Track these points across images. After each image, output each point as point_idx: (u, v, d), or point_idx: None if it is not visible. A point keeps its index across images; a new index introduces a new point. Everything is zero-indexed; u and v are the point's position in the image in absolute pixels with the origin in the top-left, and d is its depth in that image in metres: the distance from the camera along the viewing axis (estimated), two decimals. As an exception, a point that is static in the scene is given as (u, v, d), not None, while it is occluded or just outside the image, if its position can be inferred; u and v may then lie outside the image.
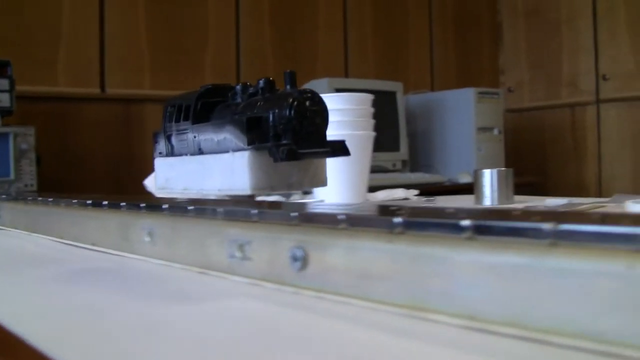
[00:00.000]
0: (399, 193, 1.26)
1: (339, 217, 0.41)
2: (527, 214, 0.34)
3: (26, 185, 2.00)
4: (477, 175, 1.13)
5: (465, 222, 0.34)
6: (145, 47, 2.60)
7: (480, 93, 2.84)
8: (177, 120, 0.83)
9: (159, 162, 0.87)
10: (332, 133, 1.05)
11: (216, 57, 2.75)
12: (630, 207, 0.60)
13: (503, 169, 1.14)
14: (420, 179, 2.62)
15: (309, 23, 3.01)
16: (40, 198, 0.88)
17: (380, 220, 0.38)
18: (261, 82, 0.75)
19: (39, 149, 2.00)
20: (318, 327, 0.37)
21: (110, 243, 0.69)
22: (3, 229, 0.98)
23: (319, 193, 1.10)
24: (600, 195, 3.31)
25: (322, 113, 0.70)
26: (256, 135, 0.69)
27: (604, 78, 3.29)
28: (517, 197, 1.17)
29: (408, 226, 0.37)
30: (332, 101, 1.09)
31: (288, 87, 0.73)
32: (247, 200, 0.64)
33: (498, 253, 0.32)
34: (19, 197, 1.00)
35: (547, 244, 0.30)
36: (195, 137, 0.81)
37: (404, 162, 2.78)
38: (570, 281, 0.29)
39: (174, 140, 0.85)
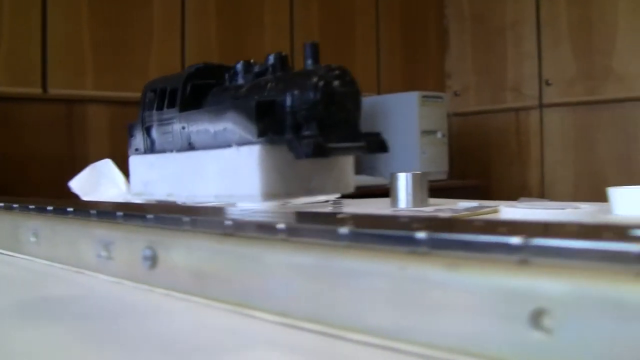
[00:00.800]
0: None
1: (184, 219, 0.43)
2: (332, 218, 0.36)
3: (-38, 186, 1.98)
4: (392, 179, 1.16)
5: (280, 225, 0.36)
6: (89, 47, 2.58)
7: (424, 97, 2.88)
8: (160, 108, 0.67)
9: (135, 161, 0.72)
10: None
11: (161, 57, 2.75)
12: (503, 211, 0.63)
13: (418, 172, 1.16)
14: (363, 182, 2.64)
15: (256, 24, 3.02)
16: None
17: (214, 222, 0.40)
18: (271, 57, 0.62)
19: (-25, 149, 1.99)
20: (153, 326, 0.39)
21: (4, 244, 0.70)
22: None
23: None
24: (542, 197, 3.38)
25: (354, 96, 0.55)
26: (269, 124, 0.54)
27: (547, 83, 3.35)
28: (432, 200, 1.20)
29: (236, 228, 0.39)
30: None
31: (309, 62, 0.57)
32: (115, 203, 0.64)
33: (304, 254, 0.34)
34: None
35: (343, 246, 0.32)
36: (184, 128, 0.64)
37: (348, 164, 2.81)
38: (357, 281, 0.32)
39: (155, 132, 0.69)
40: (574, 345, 0.24)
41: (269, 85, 0.58)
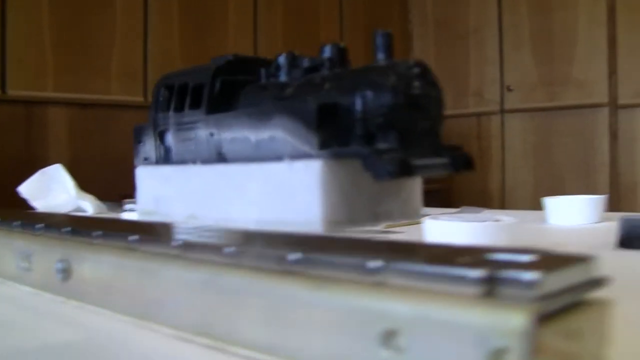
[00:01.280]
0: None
1: (94, 233, 0.43)
2: (218, 234, 0.37)
3: None
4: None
5: (176, 242, 0.37)
6: (49, 48, 2.57)
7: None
8: (179, 109, 0.55)
9: (145, 173, 0.58)
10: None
11: (123, 59, 2.74)
12: (426, 224, 0.64)
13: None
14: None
15: (219, 26, 3.02)
16: None
17: (120, 237, 0.41)
18: (327, 49, 0.51)
19: None
20: (69, 337, 0.40)
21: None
22: None
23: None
24: (503, 203, 3.42)
25: (438, 100, 0.45)
26: (333, 133, 0.43)
27: (509, 89, 3.40)
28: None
29: (140, 243, 0.40)
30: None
31: (382, 56, 0.46)
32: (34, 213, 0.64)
33: (194, 270, 0.35)
34: None
35: (229, 264, 0.34)
36: (212, 134, 0.52)
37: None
38: (237, 298, 0.33)
39: (172, 139, 0.57)
40: (421, 364, 0.25)
41: (327, 84, 0.46)
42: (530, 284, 0.23)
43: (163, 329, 0.37)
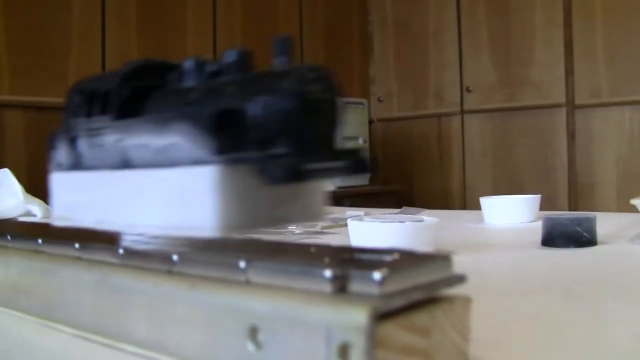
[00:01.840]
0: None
1: (7, 237, 0.44)
2: (114, 236, 0.38)
3: None
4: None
5: (77, 244, 0.37)
6: (4, 50, 2.54)
7: (345, 103, 2.91)
8: (89, 115, 0.55)
9: (58, 179, 0.57)
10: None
11: (81, 62, 2.72)
12: (349, 225, 0.66)
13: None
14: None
15: (178, 28, 3.02)
16: None
17: (26, 241, 0.42)
18: (231, 54, 0.50)
19: None
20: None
21: None
22: None
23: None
24: (464, 202, 3.46)
25: (337, 105, 0.45)
26: (230, 139, 0.44)
27: (468, 90, 3.43)
28: (330, 209, 1.22)
29: (46, 245, 0.40)
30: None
31: (282, 60, 0.47)
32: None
33: (90, 271, 0.36)
34: None
35: (118, 265, 0.34)
36: (119, 140, 0.53)
37: (269, 169, 2.83)
38: (124, 297, 0.34)
39: (83, 145, 0.56)
40: (278, 358, 0.26)
41: (229, 88, 0.46)
42: (375, 282, 0.25)
43: (65, 328, 0.38)
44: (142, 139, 0.48)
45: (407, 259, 0.27)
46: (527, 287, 0.47)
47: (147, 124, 0.48)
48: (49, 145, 0.59)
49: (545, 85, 3.22)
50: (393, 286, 0.25)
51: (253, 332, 0.27)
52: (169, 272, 0.31)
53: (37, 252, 0.41)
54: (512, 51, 3.31)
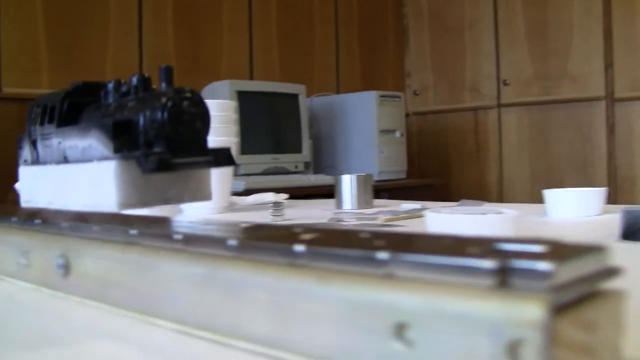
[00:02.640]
0: (269, 197, 1.29)
1: (94, 227, 0.43)
2: (227, 229, 0.37)
3: None
4: (337, 181, 1.17)
5: (177, 236, 0.36)
6: (44, 46, 2.56)
7: (382, 96, 2.89)
8: (42, 123, 0.75)
9: (24, 171, 0.80)
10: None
11: (117, 56, 2.73)
12: (427, 217, 0.64)
13: (363, 174, 1.17)
14: (321, 181, 2.65)
15: (214, 24, 3.01)
16: None
17: (119, 231, 0.41)
18: (134, 79, 0.66)
19: None
20: (68, 333, 0.39)
21: None
22: None
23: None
24: (501, 196, 3.42)
25: (202, 116, 0.61)
26: (125, 141, 0.61)
27: (505, 83, 3.39)
28: (376, 202, 1.21)
29: (140, 237, 0.39)
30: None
31: (164, 85, 0.62)
32: (35, 210, 0.64)
33: (196, 264, 0.35)
34: None
35: (231, 257, 0.33)
36: (60, 143, 0.72)
37: (306, 163, 2.82)
38: (240, 291, 0.32)
39: (39, 146, 0.76)
40: (433, 357, 0.25)
41: (129, 104, 0.62)
42: (544, 274, 0.23)
43: (163, 323, 0.37)
44: (73, 142, 0.66)
45: (560, 250, 0.25)
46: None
47: (76, 130, 0.66)
48: (17, 146, 0.80)
49: (583, 78, 3.18)
50: (562, 278, 0.23)
51: (400, 330, 0.25)
52: (292, 265, 0.29)
53: (130, 243, 0.39)
54: (550, 43, 3.26)
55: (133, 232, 0.39)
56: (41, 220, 0.50)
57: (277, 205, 0.95)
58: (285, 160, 2.70)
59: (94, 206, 0.62)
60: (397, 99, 2.97)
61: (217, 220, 0.42)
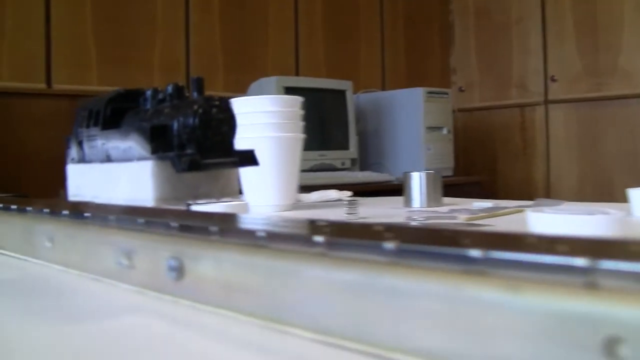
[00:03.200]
0: (332, 194, 1.27)
1: (211, 228, 0.41)
2: (373, 231, 0.35)
3: (-33, 182, 1.97)
4: (405, 178, 1.14)
5: (318, 238, 0.34)
6: (93, 42, 2.57)
7: (429, 93, 2.86)
8: (88, 126, 0.84)
9: (71, 169, 0.89)
10: (261, 135, 1.06)
11: (165, 52, 2.73)
12: (529, 217, 0.62)
13: (432, 172, 1.15)
14: (368, 178, 2.63)
15: (260, 20, 3.00)
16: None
17: (245, 233, 0.39)
18: (169, 87, 0.75)
19: (-20, 145, 1.97)
20: (181, 338, 0.37)
21: (17, 247, 0.69)
22: None
23: (248, 195, 1.10)
24: (549, 194, 3.37)
25: (229, 121, 0.68)
26: (160, 144, 0.69)
27: (552, 79, 3.34)
28: (446, 199, 1.18)
29: (270, 239, 0.37)
30: (261, 103, 1.09)
31: (195, 94, 0.72)
32: (142, 208, 0.62)
33: (344, 269, 0.33)
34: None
35: (387, 263, 0.31)
36: (103, 144, 0.80)
37: (353, 160, 2.80)
38: (403, 300, 0.30)
39: (85, 146, 0.85)
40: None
41: (165, 111, 0.70)
42: None
43: (299, 332, 0.35)
44: (115, 143, 0.75)
45: None
46: None
47: (118, 133, 0.75)
48: (66, 146, 0.92)
49: (634, 74, 3.11)
50: None
51: (611, 345, 0.23)
52: (466, 272, 0.27)
53: (259, 246, 0.37)
54: (599, 38, 3.20)
55: (261, 234, 0.37)
56: (145, 219, 0.48)
57: (351, 203, 0.93)
58: (332, 157, 2.68)
59: (133, 200, 0.72)
60: (445, 96, 2.94)
61: (341, 221, 0.40)
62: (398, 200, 1.29)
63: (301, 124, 1.13)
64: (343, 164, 2.74)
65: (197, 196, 0.71)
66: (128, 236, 0.50)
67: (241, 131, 1.12)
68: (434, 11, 3.70)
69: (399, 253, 0.30)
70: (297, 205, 1.15)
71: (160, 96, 0.76)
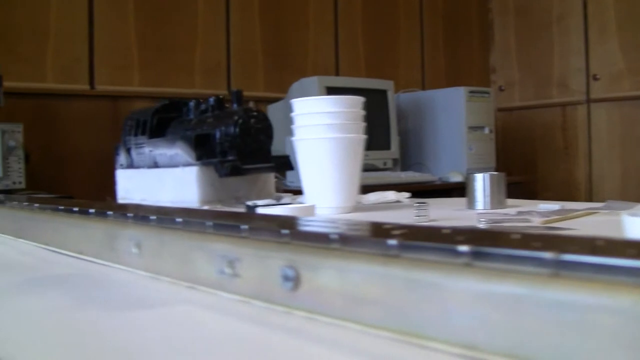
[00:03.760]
0: (391, 196, 1.25)
1: (331, 236, 0.39)
2: (528, 240, 0.33)
3: (14, 183, 1.98)
4: (469, 180, 1.12)
5: (463, 248, 0.32)
6: (134, 44, 2.58)
7: (471, 92, 2.83)
8: (136, 134, 0.92)
9: (120, 174, 0.97)
10: (324, 136, 1.04)
11: (205, 54, 2.73)
12: (626, 221, 0.59)
13: (495, 173, 1.12)
14: (411, 178, 2.61)
15: (300, 21, 3.00)
16: (26, 203, 0.86)
17: (374, 242, 0.37)
18: (211, 100, 0.85)
19: (26, 146, 1.98)
20: (307, 350, 0.36)
21: (97, 252, 0.68)
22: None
23: (309, 197, 1.09)
24: (590, 194, 3.32)
25: (266, 130, 0.79)
26: (204, 151, 0.78)
27: (595, 78, 3.29)
28: (510, 201, 1.16)
29: (403, 249, 0.36)
30: (324, 104, 1.07)
31: (235, 105, 0.81)
32: (236, 213, 0.60)
33: (496, 281, 0.31)
34: (4, 200, 0.98)
35: (548, 274, 0.29)
36: (151, 151, 0.89)
37: (394, 160, 2.77)
38: (569, 315, 0.28)
39: (133, 153, 0.93)
40: None
41: (208, 121, 0.79)
42: None
43: (441, 347, 0.33)
44: (162, 150, 0.82)
45: None
46: None
47: (164, 141, 0.82)
48: (115, 153, 1.00)
49: (680, 72, 3.05)
50: None
51: None
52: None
53: (391, 256, 0.36)
54: (643, 36, 3.15)
55: (392, 242, 0.36)
56: (248, 226, 0.47)
57: (421, 205, 0.91)
58: (374, 157, 2.66)
59: (179, 202, 0.79)
60: (486, 95, 2.90)
61: (478, 229, 0.38)
62: (455, 201, 1.27)
63: (363, 124, 1.11)
64: (385, 164, 2.72)
65: (237, 198, 0.81)
66: (230, 243, 0.48)
67: (303, 132, 1.11)
68: (474, 10, 3.66)
69: (559, 264, 0.29)
70: (358, 208, 1.13)
71: (203, 107, 0.85)
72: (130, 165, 0.94)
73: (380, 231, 0.40)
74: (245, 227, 0.47)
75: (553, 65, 3.43)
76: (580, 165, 3.37)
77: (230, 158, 0.74)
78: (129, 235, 0.62)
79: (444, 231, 0.38)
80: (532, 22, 3.52)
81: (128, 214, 0.62)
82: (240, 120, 0.74)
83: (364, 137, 1.11)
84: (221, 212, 0.60)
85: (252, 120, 0.76)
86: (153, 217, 0.58)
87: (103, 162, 2.46)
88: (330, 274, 0.40)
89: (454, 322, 0.33)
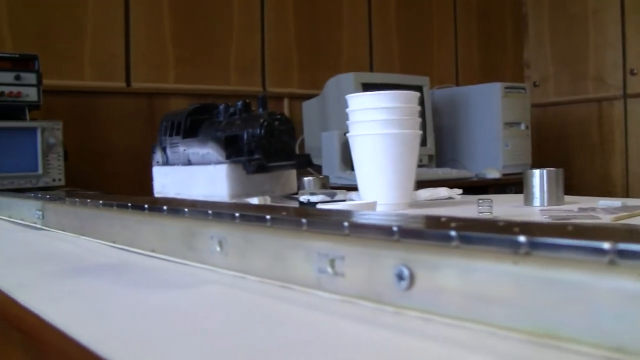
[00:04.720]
0: (443, 192, 1.23)
1: (451, 233, 0.38)
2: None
3: (54, 180, 1.99)
4: (526, 176, 1.10)
5: (606, 245, 0.31)
6: (170, 42, 2.58)
7: (506, 88, 2.80)
8: (171, 135, 1.00)
9: (156, 170, 1.05)
10: (380, 132, 1.03)
11: (240, 51, 2.73)
12: None
13: (553, 169, 1.11)
14: (448, 174, 2.59)
15: (334, 17, 2.98)
16: (89, 200, 0.86)
17: (501, 240, 0.36)
18: (239, 104, 0.92)
19: (65, 143, 1.99)
20: (427, 351, 0.35)
21: (173, 250, 0.67)
22: (48, 231, 0.96)
23: (365, 193, 1.07)
24: (627, 191, 3.28)
25: (289, 132, 0.87)
26: (233, 150, 0.85)
27: (632, 72, 3.24)
28: (567, 198, 1.14)
29: (534, 246, 0.34)
30: (380, 99, 1.06)
31: (260, 109, 0.89)
32: (330, 211, 0.59)
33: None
34: (63, 197, 0.98)
35: None
36: (184, 150, 0.97)
37: (430, 157, 2.76)
38: None
39: (168, 151, 1.02)
40: None
41: (236, 123, 0.86)
42: None
43: (585, 349, 0.32)
44: (194, 149, 0.91)
45: None
46: None
47: (197, 141, 0.91)
48: (152, 151, 1.08)
49: None
50: None
51: None
52: None
53: (518, 254, 0.35)
54: (682, 29, 3.10)
55: (522, 239, 0.35)
56: (348, 223, 0.45)
57: (485, 201, 0.89)
58: (410, 153, 2.64)
59: (210, 196, 0.86)
60: (522, 91, 2.87)
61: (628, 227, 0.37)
62: (510, 198, 1.26)
63: (419, 120, 1.09)
64: (421, 160, 2.70)
65: (263, 192, 0.87)
66: (329, 240, 0.47)
67: (359, 128, 1.10)
68: (507, 4, 3.62)
69: None
70: (413, 204, 1.12)
71: (231, 110, 0.91)
72: (166, 163, 1.01)
73: (501, 228, 0.39)
74: (346, 224, 0.46)
75: (588, 60, 3.39)
76: (616, 161, 3.33)
77: (256, 157, 0.81)
78: (211, 233, 0.61)
79: (569, 228, 0.37)
80: (566, 15, 3.48)
81: (208, 211, 0.61)
82: (266, 123, 0.81)
83: (419, 132, 1.10)
84: (314, 210, 0.58)
85: (276, 123, 0.83)
86: (237, 214, 0.57)
87: (138, 158, 2.47)
88: (450, 273, 0.39)
89: (599, 323, 0.32)
